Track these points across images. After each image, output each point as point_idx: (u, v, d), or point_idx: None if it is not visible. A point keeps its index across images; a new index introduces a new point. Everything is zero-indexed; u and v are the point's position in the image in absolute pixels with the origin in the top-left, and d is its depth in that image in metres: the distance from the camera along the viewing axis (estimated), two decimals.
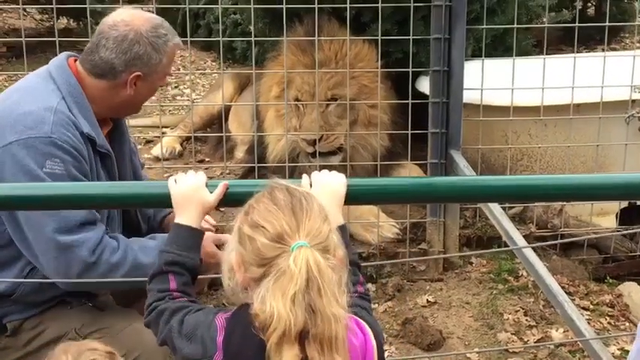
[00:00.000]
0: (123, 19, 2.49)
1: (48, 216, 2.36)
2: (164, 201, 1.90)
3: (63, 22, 8.68)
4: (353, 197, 1.95)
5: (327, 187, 1.90)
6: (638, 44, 7.30)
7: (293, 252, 1.49)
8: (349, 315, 1.58)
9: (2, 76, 7.09)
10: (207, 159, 5.11)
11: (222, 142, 4.77)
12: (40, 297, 2.52)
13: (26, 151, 2.34)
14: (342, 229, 1.80)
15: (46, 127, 2.36)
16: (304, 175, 1.93)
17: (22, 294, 2.52)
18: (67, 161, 2.36)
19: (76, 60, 2.55)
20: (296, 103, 4.05)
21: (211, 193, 1.91)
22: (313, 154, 3.99)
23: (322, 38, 3.79)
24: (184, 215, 1.89)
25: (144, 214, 2.91)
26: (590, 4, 7.30)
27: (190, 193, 1.90)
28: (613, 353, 3.22)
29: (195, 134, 4.64)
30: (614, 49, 6.86)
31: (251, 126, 4.57)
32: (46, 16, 8.87)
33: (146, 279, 2.43)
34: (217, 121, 5.33)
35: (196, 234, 1.89)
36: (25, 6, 8.41)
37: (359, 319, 1.65)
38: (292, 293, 1.45)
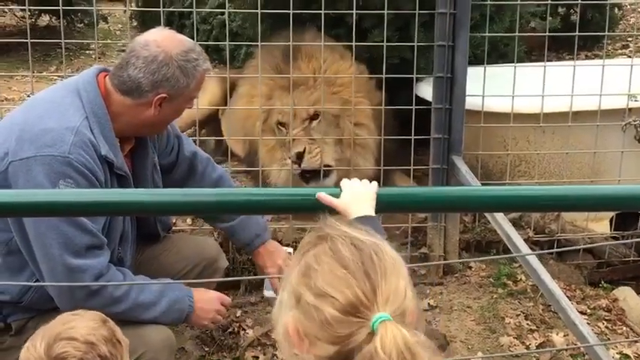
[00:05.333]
0: (155, 39, 2.51)
1: (54, 237, 2.37)
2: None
3: (45, 19, 8.59)
4: (383, 205, 1.99)
5: (357, 194, 1.95)
6: (619, 51, 7.47)
7: (378, 332, 1.24)
8: None
9: None
10: None
11: (217, 147, 4.76)
12: (48, 305, 2.51)
13: (42, 168, 2.36)
14: (371, 219, 1.85)
15: (65, 147, 2.38)
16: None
17: (30, 301, 2.53)
18: (81, 183, 2.38)
19: (106, 75, 2.56)
20: (279, 127, 4.02)
21: None
22: (303, 176, 3.94)
23: (328, 44, 3.80)
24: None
25: (164, 223, 2.91)
26: (573, 11, 7.39)
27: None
28: (613, 357, 3.30)
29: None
30: (598, 56, 6.96)
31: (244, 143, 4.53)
32: (28, 13, 8.76)
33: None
34: (206, 127, 5.27)
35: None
36: (6, 7, 8.35)
37: None
38: None
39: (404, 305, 1.30)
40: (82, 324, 1.62)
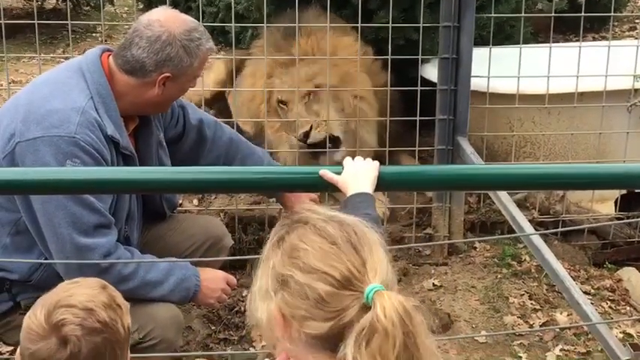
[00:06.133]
0: (158, 18, 2.52)
1: (62, 216, 2.40)
2: None
3: (51, 2, 8.59)
4: (386, 183, 2.02)
5: (358, 172, 1.99)
6: (627, 33, 7.43)
7: (376, 300, 1.24)
8: None
9: None
10: None
11: None
12: (57, 283, 2.52)
13: (49, 149, 2.38)
14: (367, 196, 1.91)
15: (71, 127, 2.40)
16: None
17: (39, 280, 2.55)
18: (88, 163, 2.40)
19: (109, 55, 2.58)
20: (280, 105, 4.01)
21: None
22: (312, 151, 3.92)
23: (334, 25, 3.79)
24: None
25: (170, 202, 2.93)
26: None
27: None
28: (616, 336, 3.32)
29: None
30: (605, 38, 6.93)
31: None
32: None
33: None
34: (214, 106, 5.28)
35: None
36: None
37: None
38: (395, 358, 1.21)
39: (388, 277, 1.31)
40: (80, 291, 1.64)
